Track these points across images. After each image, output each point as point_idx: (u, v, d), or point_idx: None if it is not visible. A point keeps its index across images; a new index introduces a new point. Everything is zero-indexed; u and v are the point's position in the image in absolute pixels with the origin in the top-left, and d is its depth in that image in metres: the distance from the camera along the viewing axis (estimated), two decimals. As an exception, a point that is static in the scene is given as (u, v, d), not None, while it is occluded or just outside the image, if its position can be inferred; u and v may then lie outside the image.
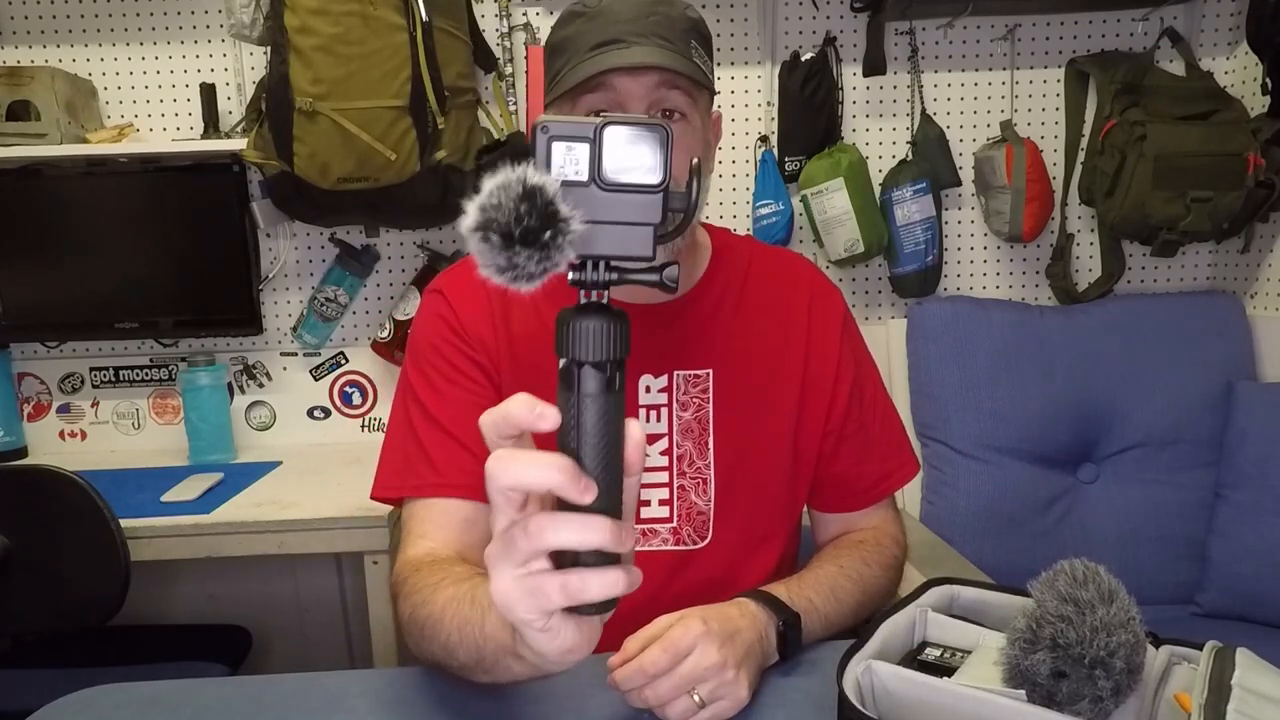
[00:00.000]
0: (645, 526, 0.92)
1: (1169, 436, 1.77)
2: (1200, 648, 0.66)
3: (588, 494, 0.43)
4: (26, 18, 1.88)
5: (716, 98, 0.96)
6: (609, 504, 0.45)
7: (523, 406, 0.44)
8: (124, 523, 1.37)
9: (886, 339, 1.94)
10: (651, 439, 0.91)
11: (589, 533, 0.43)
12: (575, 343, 0.44)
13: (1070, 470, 1.81)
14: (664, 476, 0.92)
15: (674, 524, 0.92)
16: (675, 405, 0.92)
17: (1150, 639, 0.66)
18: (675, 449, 0.92)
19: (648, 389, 0.92)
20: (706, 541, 0.93)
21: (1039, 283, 2.01)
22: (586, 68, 0.82)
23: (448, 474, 0.86)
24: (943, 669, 0.69)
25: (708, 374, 0.92)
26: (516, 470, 0.44)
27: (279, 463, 1.83)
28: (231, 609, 2.02)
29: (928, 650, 0.73)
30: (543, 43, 1.86)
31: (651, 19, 0.84)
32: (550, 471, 0.43)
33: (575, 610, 0.46)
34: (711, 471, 0.92)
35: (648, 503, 0.92)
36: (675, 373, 0.92)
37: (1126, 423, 1.78)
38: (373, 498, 0.91)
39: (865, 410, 0.99)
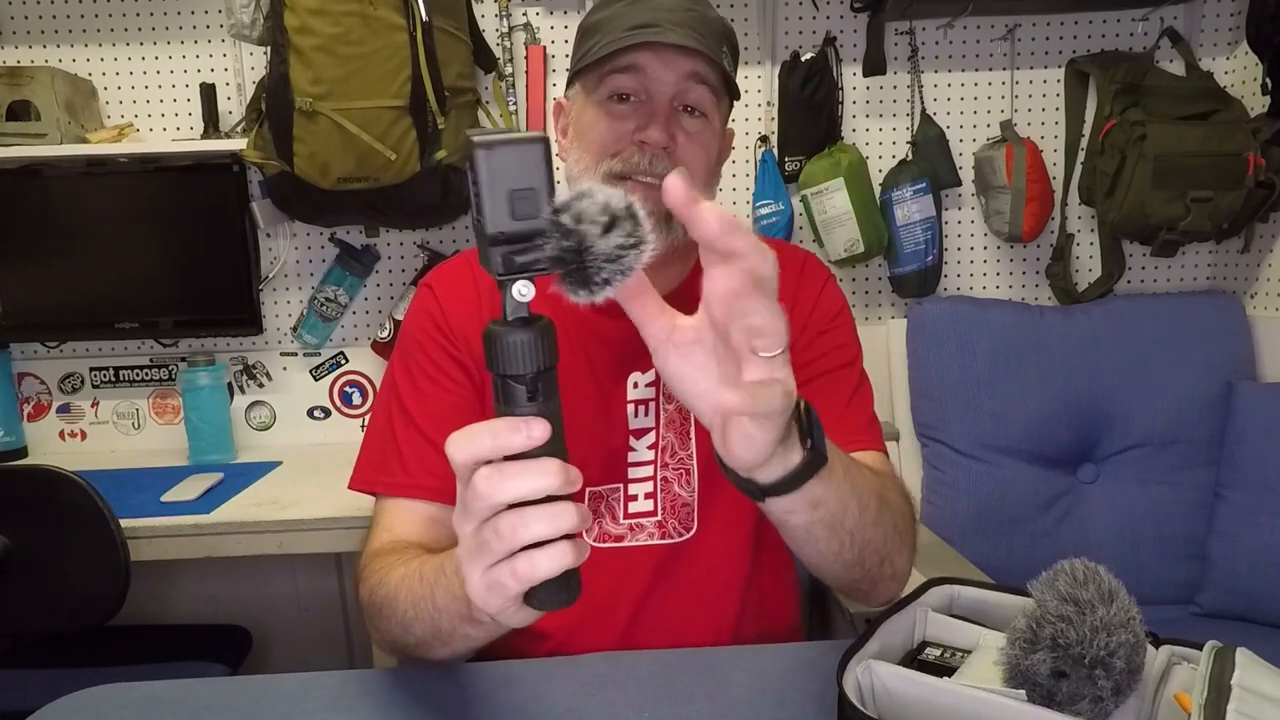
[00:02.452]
0: (631, 521, 0.92)
1: (1169, 436, 1.77)
2: (1200, 648, 0.66)
3: (578, 481, 0.48)
4: (26, 18, 1.88)
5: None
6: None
7: (511, 430, 0.47)
8: (124, 523, 1.37)
9: (886, 339, 1.94)
10: (640, 434, 0.92)
11: (544, 476, 0.47)
12: (500, 358, 0.47)
13: (1070, 470, 1.81)
14: (649, 470, 0.92)
15: (658, 517, 0.91)
16: (661, 399, 0.92)
17: (1150, 639, 0.66)
18: (660, 441, 0.92)
19: (635, 385, 0.92)
20: (692, 533, 0.92)
21: (1039, 283, 2.01)
22: (621, 41, 0.84)
23: (418, 475, 0.88)
24: (943, 669, 0.69)
25: None
26: (511, 487, 0.48)
27: (279, 463, 1.83)
28: (231, 609, 2.02)
29: (928, 650, 0.73)
30: (543, 42, 1.88)
31: (690, 13, 0.86)
32: (544, 479, 0.47)
33: (536, 604, 0.51)
34: (694, 461, 0.92)
35: (634, 497, 0.92)
36: None
37: (1126, 423, 1.78)
38: (349, 488, 0.93)
39: (831, 370, 0.93)
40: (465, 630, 0.65)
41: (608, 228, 0.45)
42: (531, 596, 0.50)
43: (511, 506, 0.48)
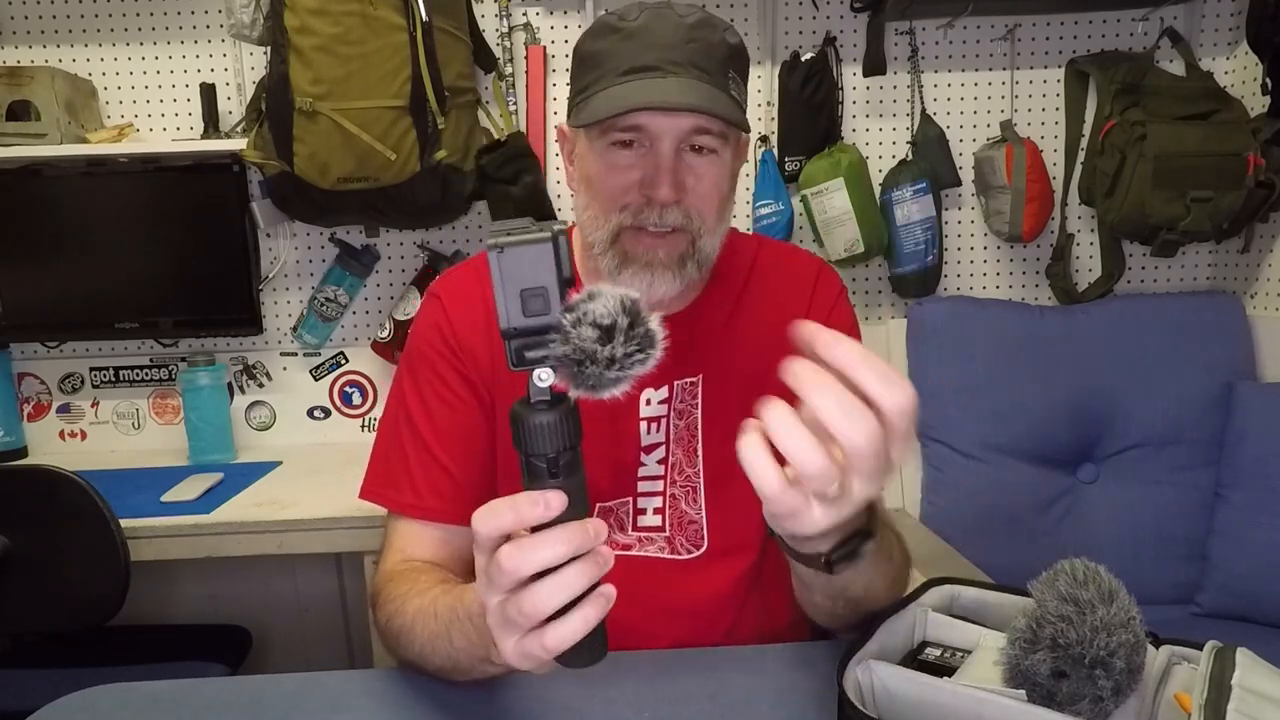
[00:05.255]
0: (641, 534, 0.92)
1: (1169, 436, 1.77)
2: (1200, 648, 0.66)
3: (601, 535, 0.51)
4: (26, 18, 1.87)
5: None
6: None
7: (531, 505, 0.49)
8: (124, 523, 1.37)
9: (886, 339, 1.94)
10: (650, 449, 0.92)
11: (560, 544, 0.49)
12: (523, 439, 0.49)
13: (1070, 470, 1.81)
14: (659, 485, 0.92)
15: (667, 533, 0.91)
16: (673, 414, 0.92)
17: (1150, 639, 0.66)
18: (669, 457, 0.92)
19: (648, 401, 0.92)
20: (702, 551, 0.92)
21: (1039, 283, 2.01)
22: (617, 94, 0.80)
23: (427, 497, 0.88)
24: (943, 669, 0.69)
25: (698, 379, 0.92)
26: (532, 558, 0.49)
27: (279, 463, 1.83)
28: (231, 609, 2.02)
29: (928, 650, 0.73)
30: (543, 42, 1.88)
31: (690, 45, 0.81)
32: (562, 547, 0.49)
33: (566, 664, 0.52)
34: (701, 479, 0.92)
35: (643, 511, 0.92)
36: (675, 383, 0.92)
37: (1126, 423, 1.78)
38: (360, 498, 0.93)
39: None
40: (484, 668, 0.67)
41: (610, 336, 0.46)
42: (562, 656, 0.52)
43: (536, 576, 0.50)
